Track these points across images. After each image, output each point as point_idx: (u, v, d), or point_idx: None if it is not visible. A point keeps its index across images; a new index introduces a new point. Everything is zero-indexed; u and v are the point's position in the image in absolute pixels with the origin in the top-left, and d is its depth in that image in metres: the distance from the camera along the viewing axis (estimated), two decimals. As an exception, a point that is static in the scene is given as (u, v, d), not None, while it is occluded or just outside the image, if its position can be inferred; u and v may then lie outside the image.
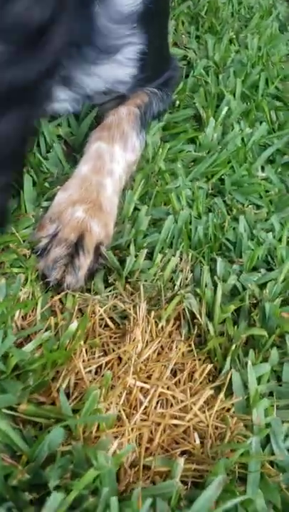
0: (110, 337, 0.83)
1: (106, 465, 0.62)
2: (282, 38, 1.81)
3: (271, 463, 0.73)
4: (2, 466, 0.63)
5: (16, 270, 0.87)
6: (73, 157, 1.09)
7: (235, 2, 1.95)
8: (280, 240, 1.05)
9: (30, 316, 0.83)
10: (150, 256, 0.95)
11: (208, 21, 1.74)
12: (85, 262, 0.87)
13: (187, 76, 1.45)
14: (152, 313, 0.85)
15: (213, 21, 1.73)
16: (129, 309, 0.85)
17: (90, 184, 0.95)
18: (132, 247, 0.93)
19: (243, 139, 1.30)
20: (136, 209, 1.02)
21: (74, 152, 1.10)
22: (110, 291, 0.89)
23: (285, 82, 1.60)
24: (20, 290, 0.84)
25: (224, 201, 1.14)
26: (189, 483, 0.70)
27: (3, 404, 0.67)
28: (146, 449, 0.72)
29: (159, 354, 0.83)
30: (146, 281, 0.90)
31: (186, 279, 0.94)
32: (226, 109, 1.32)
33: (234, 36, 1.73)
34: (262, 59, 1.63)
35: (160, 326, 0.85)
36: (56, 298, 0.85)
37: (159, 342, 0.83)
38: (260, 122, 1.39)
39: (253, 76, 1.53)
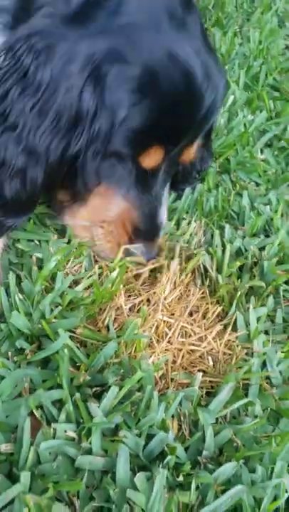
0: (142, 284, 1.04)
1: (148, 369, 0.83)
2: (281, 32, 1.99)
3: (267, 380, 0.94)
4: (68, 373, 0.83)
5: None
6: None
7: (239, -4, 2.12)
8: (276, 212, 1.25)
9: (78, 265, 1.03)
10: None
11: (215, 15, 1.92)
12: None
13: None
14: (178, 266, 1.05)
15: (219, 15, 1.90)
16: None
17: None
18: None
19: (245, 125, 1.49)
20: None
21: None
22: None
23: (283, 74, 1.79)
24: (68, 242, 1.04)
25: (230, 178, 1.34)
26: (204, 394, 0.91)
27: (67, 326, 0.88)
28: (171, 368, 0.93)
29: (179, 299, 1.03)
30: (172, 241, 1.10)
31: (200, 241, 1.14)
32: (232, 98, 1.52)
33: (238, 30, 1.91)
34: (262, 52, 1.81)
35: (181, 278, 1.05)
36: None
37: (180, 290, 1.04)
38: (260, 110, 1.58)
39: (255, 68, 1.72)
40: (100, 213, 1.01)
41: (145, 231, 1.02)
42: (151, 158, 0.94)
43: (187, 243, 1.13)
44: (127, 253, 1.02)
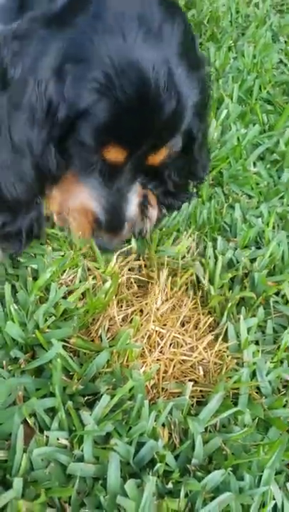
0: (134, 294, 1.06)
1: (139, 378, 0.85)
2: (275, 47, 2.02)
3: (257, 390, 0.96)
4: (61, 382, 0.85)
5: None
6: None
7: (234, 11, 2.16)
8: (267, 225, 1.28)
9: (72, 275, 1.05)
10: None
11: (210, 30, 1.95)
12: None
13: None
14: (169, 278, 1.08)
15: (214, 30, 1.94)
16: (152, 271, 1.09)
17: None
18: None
19: (238, 138, 1.52)
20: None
21: None
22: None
23: (276, 88, 1.82)
24: (64, 254, 1.06)
25: (223, 191, 1.36)
26: (194, 403, 0.93)
27: (61, 336, 0.90)
28: (163, 377, 0.95)
29: (172, 310, 1.05)
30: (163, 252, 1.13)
31: (194, 253, 1.17)
32: (225, 111, 1.54)
33: (232, 44, 1.94)
34: (256, 66, 1.85)
35: (174, 290, 1.07)
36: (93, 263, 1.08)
37: (172, 301, 1.06)
38: (254, 124, 1.61)
39: (249, 82, 1.75)
40: (67, 200, 1.07)
41: (107, 223, 1.06)
42: (112, 154, 0.98)
43: (183, 257, 1.15)
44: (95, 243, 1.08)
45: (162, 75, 0.91)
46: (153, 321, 0.99)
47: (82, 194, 1.06)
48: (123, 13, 0.92)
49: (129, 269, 1.10)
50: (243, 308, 1.07)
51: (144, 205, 1.16)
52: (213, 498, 0.76)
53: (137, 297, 1.06)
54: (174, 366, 0.96)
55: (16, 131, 0.94)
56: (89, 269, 1.07)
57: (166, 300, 1.05)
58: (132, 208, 1.09)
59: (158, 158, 1.03)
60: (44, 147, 0.96)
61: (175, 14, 0.98)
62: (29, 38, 0.93)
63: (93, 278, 1.05)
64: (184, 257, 1.14)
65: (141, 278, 1.09)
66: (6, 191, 0.97)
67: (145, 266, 1.12)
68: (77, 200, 1.06)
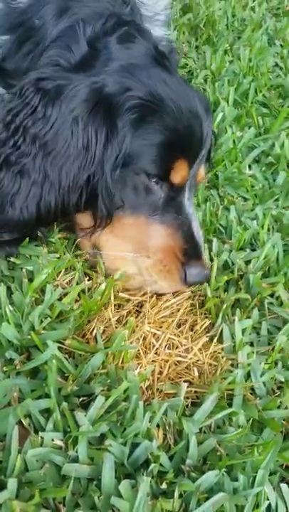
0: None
1: (134, 379, 0.85)
2: (271, 50, 2.04)
3: (251, 391, 0.97)
4: (56, 383, 0.85)
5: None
6: None
7: (230, 15, 2.17)
8: (262, 227, 1.28)
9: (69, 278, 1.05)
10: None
11: (206, 33, 1.97)
12: None
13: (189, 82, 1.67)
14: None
15: (210, 33, 1.95)
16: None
17: None
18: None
19: (234, 141, 1.53)
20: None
21: None
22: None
23: (272, 91, 1.83)
24: (60, 257, 1.07)
25: (218, 193, 1.37)
26: (189, 404, 0.93)
27: (56, 338, 0.90)
28: (158, 378, 0.95)
29: (168, 312, 1.05)
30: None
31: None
32: (221, 114, 1.55)
33: (229, 48, 1.95)
34: (252, 70, 1.86)
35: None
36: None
37: (168, 304, 1.06)
38: (249, 127, 1.62)
39: (244, 85, 1.76)
40: (142, 243, 1.03)
41: (190, 251, 1.03)
42: (178, 173, 1.02)
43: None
44: (190, 281, 1.04)
45: (193, 100, 1.05)
46: (148, 323, 1.00)
47: (161, 231, 1.03)
48: (132, 54, 1.07)
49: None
50: (238, 309, 1.07)
51: None
52: (207, 499, 0.76)
53: (134, 298, 1.06)
54: (169, 367, 0.97)
55: (48, 161, 0.99)
56: (85, 274, 1.07)
57: (164, 302, 1.06)
58: (199, 227, 1.08)
59: (202, 173, 1.10)
60: (73, 182, 0.99)
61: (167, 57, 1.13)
62: (59, 79, 1.00)
63: (89, 279, 1.05)
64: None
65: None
66: (25, 213, 1.01)
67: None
68: (157, 240, 1.03)
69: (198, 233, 1.06)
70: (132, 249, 1.03)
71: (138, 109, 0.98)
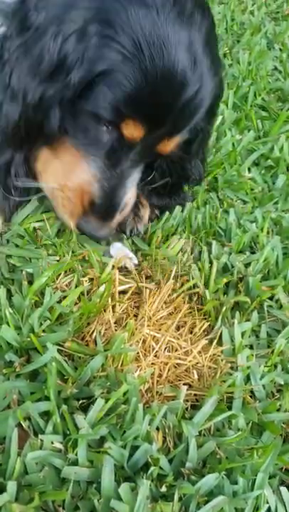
0: (129, 298, 1.06)
1: (134, 382, 0.85)
2: (270, 54, 2.04)
3: (251, 394, 0.97)
4: (56, 385, 0.85)
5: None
6: None
7: (229, 18, 2.18)
8: (261, 230, 1.28)
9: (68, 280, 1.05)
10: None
11: (205, 36, 1.96)
12: None
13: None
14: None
15: (210, 37, 1.95)
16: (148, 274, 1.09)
17: None
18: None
19: (233, 144, 1.53)
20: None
21: None
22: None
23: (271, 95, 1.83)
24: (59, 260, 1.07)
25: (217, 196, 1.37)
26: (189, 407, 0.93)
27: (56, 340, 0.90)
28: (157, 381, 0.95)
29: (167, 314, 1.05)
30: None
31: (189, 258, 1.17)
32: (220, 117, 1.55)
33: (228, 51, 1.96)
34: (251, 73, 1.86)
35: (172, 297, 1.08)
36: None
37: (169, 308, 1.06)
38: (248, 130, 1.62)
39: (244, 88, 1.76)
40: (65, 176, 1.01)
41: (101, 208, 1.01)
42: (128, 131, 0.93)
43: (181, 263, 1.15)
44: (80, 227, 1.03)
45: (189, 57, 0.90)
46: (148, 326, 1.00)
47: (84, 174, 0.99)
48: None
49: (124, 275, 1.10)
50: (237, 312, 1.07)
51: (135, 205, 1.13)
52: (206, 502, 0.76)
53: (133, 301, 1.06)
54: (169, 370, 0.96)
55: (16, 75, 0.91)
56: (84, 275, 1.07)
57: (164, 304, 1.06)
58: (128, 195, 1.03)
59: (168, 146, 0.99)
60: (42, 101, 0.91)
61: (205, 7, 0.98)
62: None
63: (88, 281, 1.05)
64: (180, 260, 1.15)
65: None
66: None
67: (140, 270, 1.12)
68: (77, 178, 1.00)
69: (122, 196, 1.02)
70: (56, 178, 1.02)
71: (110, 47, 0.88)
